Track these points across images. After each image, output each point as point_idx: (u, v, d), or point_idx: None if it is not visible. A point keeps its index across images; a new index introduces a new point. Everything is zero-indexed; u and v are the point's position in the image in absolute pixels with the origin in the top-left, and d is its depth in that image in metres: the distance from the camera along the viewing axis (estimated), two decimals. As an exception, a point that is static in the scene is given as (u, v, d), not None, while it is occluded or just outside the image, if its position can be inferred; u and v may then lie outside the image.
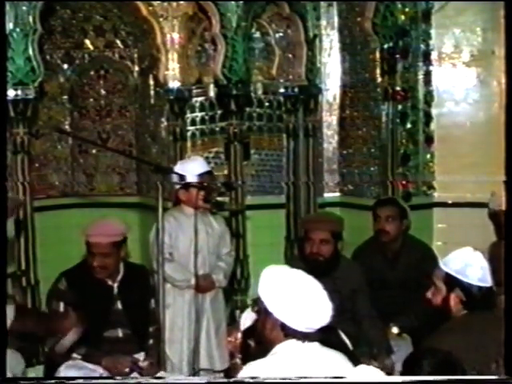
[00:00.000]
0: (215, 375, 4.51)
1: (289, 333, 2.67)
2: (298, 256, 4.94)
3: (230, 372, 4.53)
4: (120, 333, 4.30)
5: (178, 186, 4.44)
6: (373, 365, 4.02)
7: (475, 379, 2.79)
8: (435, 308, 3.40)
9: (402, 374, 3.01)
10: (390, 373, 4.06)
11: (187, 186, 4.38)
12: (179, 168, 4.42)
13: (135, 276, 4.47)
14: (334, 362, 2.69)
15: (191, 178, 4.32)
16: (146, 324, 4.36)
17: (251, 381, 2.57)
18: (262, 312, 2.75)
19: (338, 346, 2.90)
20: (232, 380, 2.71)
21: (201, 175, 4.41)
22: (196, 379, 3.74)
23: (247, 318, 3.98)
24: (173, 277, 4.41)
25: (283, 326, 2.68)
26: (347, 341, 3.59)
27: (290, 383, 2.53)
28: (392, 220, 5.03)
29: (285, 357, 2.65)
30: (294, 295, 2.66)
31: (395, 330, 4.74)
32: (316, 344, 2.69)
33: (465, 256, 3.33)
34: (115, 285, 4.35)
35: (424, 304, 3.57)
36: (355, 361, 3.15)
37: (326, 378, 2.58)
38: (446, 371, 2.82)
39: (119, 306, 4.36)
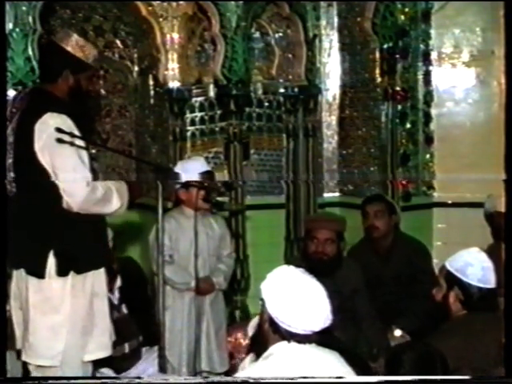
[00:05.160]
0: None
1: (285, 334, 2.67)
2: (301, 255, 4.95)
3: (229, 374, 4.52)
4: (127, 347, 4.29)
5: (178, 186, 4.44)
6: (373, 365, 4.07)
7: (475, 379, 2.80)
8: (437, 305, 3.41)
9: (385, 370, 3.01)
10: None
11: (187, 185, 4.37)
12: (180, 168, 4.41)
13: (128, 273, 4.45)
14: (329, 362, 2.69)
15: (192, 177, 4.31)
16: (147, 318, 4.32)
17: (251, 381, 2.58)
18: (263, 311, 2.76)
19: (339, 347, 2.90)
20: (232, 380, 2.71)
21: (201, 174, 4.41)
22: (196, 379, 3.74)
23: (253, 326, 3.98)
24: (172, 279, 4.39)
25: (280, 328, 2.68)
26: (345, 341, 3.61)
27: (290, 383, 2.54)
28: (381, 215, 5.07)
29: (280, 359, 2.65)
30: (295, 298, 2.66)
31: (398, 332, 4.74)
32: (312, 345, 2.69)
33: (467, 256, 3.35)
34: (115, 294, 4.32)
35: (426, 299, 3.59)
36: (357, 362, 3.16)
37: (326, 378, 2.58)
38: (427, 366, 2.83)
39: (124, 311, 4.36)
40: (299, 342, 2.66)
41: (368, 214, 5.10)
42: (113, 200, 3.45)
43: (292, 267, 2.78)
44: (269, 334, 2.72)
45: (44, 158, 3.35)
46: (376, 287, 4.92)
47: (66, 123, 3.34)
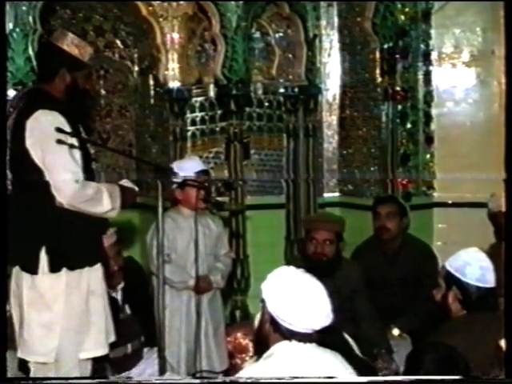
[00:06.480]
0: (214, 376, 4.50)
1: (286, 333, 2.67)
2: (300, 256, 4.94)
3: (229, 373, 4.52)
4: (129, 347, 4.29)
5: (175, 186, 4.43)
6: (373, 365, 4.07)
7: (475, 379, 2.80)
8: (437, 305, 3.41)
9: (405, 369, 3.02)
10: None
11: (184, 185, 4.37)
12: (175, 168, 4.39)
13: (129, 273, 4.45)
14: (330, 362, 2.69)
15: (188, 177, 4.30)
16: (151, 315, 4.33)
17: (250, 381, 2.58)
18: (264, 311, 2.76)
19: (340, 347, 2.90)
20: (231, 380, 2.71)
21: (197, 174, 4.41)
22: (196, 380, 3.74)
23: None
24: (170, 278, 4.37)
25: (281, 327, 2.68)
26: (352, 343, 3.61)
27: (288, 383, 2.54)
28: (392, 217, 5.06)
29: (281, 358, 2.65)
30: (295, 296, 2.66)
31: (396, 331, 4.74)
32: (313, 345, 2.69)
33: (466, 255, 3.35)
34: (118, 294, 4.31)
35: (428, 301, 3.59)
36: (359, 363, 3.16)
37: (325, 378, 2.58)
38: (449, 367, 2.83)
39: (128, 311, 4.35)
40: (300, 340, 2.67)
41: (379, 214, 5.08)
42: (103, 201, 3.45)
43: (292, 267, 2.79)
44: (270, 333, 2.72)
45: (36, 155, 3.36)
46: (381, 288, 4.92)
47: (57, 120, 3.35)
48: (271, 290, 2.72)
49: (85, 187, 3.39)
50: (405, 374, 3.01)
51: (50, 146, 3.32)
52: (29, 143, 3.36)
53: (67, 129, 3.37)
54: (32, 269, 3.41)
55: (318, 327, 2.67)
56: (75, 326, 3.45)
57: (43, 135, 3.32)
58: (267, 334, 2.74)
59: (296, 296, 2.66)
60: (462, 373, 2.83)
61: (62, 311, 3.43)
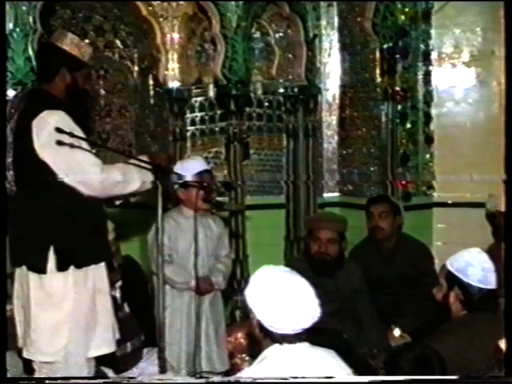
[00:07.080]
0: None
1: (277, 337, 2.67)
2: (303, 255, 4.95)
3: (230, 373, 4.52)
4: (129, 346, 4.29)
5: (177, 186, 4.43)
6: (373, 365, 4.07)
7: (475, 379, 2.80)
8: (437, 305, 3.41)
9: (386, 371, 3.02)
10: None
11: (186, 185, 4.36)
12: (178, 167, 4.39)
13: (126, 271, 4.46)
14: (324, 362, 2.68)
15: (190, 176, 4.30)
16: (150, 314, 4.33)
17: (251, 381, 2.58)
18: (252, 317, 2.75)
19: (338, 346, 2.89)
20: (232, 380, 2.71)
21: (199, 174, 4.40)
22: (196, 380, 3.74)
23: None
24: (172, 279, 4.38)
25: (268, 330, 2.67)
26: (351, 342, 3.61)
27: (289, 383, 2.54)
28: (385, 216, 5.08)
29: (274, 361, 2.65)
30: (278, 300, 2.64)
31: (397, 332, 4.74)
32: (305, 345, 2.68)
33: (468, 256, 3.35)
34: (117, 292, 4.32)
35: (428, 300, 3.59)
36: (357, 362, 3.16)
37: (321, 378, 2.58)
38: (424, 367, 2.84)
39: (126, 310, 4.36)
40: (291, 342, 2.66)
41: (373, 214, 5.09)
42: (134, 178, 3.46)
43: (272, 268, 2.76)
44: (261, 338, 2.72)
45: (46, 156, 3.36)
46: (378, 288, 4.92)
47: (65, 120, 3.36)
48: (254, 297, 2.70)
49: (109, 173, 3.42)
50: (384, 375, 3.01)
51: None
52: (37, 144, 3.36)
53: (75, 128, 3.37)
54: (40, 268, 3.41)
55: (306, 325, 2.66)
56: (83, 324, 3.47)
57: (53, 136, 3.31)
58: (259, 339, 2.73)
59: (279, 299, 2.64)
60: (439, 373, 2.83)
61: (70, 310, 3.44)
